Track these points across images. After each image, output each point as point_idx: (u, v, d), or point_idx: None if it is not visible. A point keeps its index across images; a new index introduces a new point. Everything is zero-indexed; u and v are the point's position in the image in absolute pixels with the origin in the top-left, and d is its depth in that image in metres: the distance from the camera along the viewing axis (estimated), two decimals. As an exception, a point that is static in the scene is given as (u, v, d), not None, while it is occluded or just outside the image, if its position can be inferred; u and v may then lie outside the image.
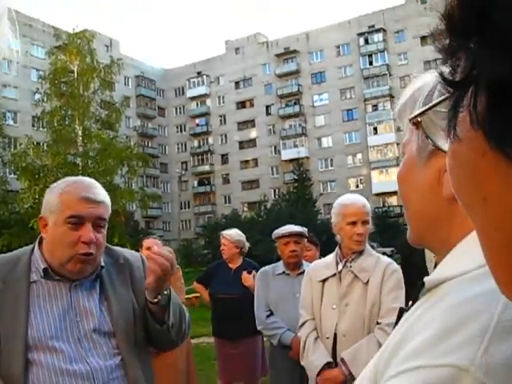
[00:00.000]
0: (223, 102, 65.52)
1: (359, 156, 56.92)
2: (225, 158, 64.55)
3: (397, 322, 0.70)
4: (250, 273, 5.05)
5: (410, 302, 0.68)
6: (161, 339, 1.94)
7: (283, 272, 4.22)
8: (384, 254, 3.69)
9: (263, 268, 4.50)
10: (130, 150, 27.78)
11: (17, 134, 38.58)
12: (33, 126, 40.45)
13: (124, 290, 1.90)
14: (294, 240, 4.14)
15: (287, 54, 62.11)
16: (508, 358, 0.47)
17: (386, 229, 38.43)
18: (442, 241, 0.71)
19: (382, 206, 50.72)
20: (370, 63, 56.98)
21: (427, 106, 0.52)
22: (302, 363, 3.11)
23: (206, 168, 64.94)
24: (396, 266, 3.13)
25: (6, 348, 1.66)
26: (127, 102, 32.68)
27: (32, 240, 1.92)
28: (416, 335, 0.55)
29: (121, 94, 39.87)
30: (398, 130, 54.00)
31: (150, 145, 63.36)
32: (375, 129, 55.76)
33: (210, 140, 65.71)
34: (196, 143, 67.00)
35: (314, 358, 2.99)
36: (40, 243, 1.87)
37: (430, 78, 0.77)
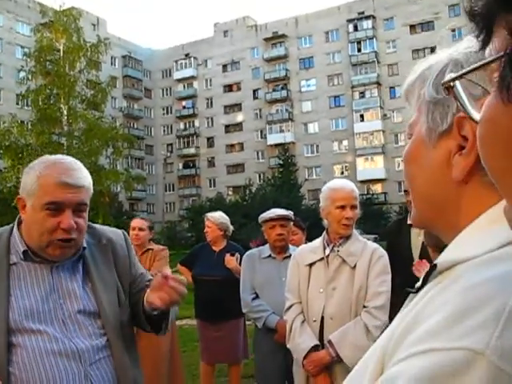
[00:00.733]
0: (210, 85, 65.09)
1: (345, 143, 56.96)
2: (210, 141, 64.27)
3: (401, 305, 0.68)
4: (233, 255, 5.05)
5: (419, 284, 0.66)
6: (146, 327, 1.94)
7: (269, 255, 4.22)
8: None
9: (249, 251, 4.50)
10: (116, 130, 27.70)
11: (0, 112, 38.08)
12: (17, 104, 39.80)
13: (108, 271, 1.87)
14: (281, 224, 4.15)
15: (276, 39, 61.75)
16: None
17: (370, 216, 38.62)
18: (450, 223, 0.69)
19: (366, 193, 50.88)
20: (359, 50, 56.82)
21: (468, 69, 0.51)
22: (288, 346, 3.11)
23: (192, 151, 64.63)
24: (383, 252, 3.15)
25: None
26: (113, 82, 32.47)
27: (15, 219, 1.85)
28: (428, 318, 0.54)
29: (107, 73, 39.29)
30: (385, 117, 54.25)
31: (135, 126, 62.84)
32: (362, 116, 55.82)
33: (196, 123, 65.32)
34: (182, 125, 66.57)
35: (300, 340, 2.99)
36: (20, 223, 1.81)
37: (440, 57, 0.75)
